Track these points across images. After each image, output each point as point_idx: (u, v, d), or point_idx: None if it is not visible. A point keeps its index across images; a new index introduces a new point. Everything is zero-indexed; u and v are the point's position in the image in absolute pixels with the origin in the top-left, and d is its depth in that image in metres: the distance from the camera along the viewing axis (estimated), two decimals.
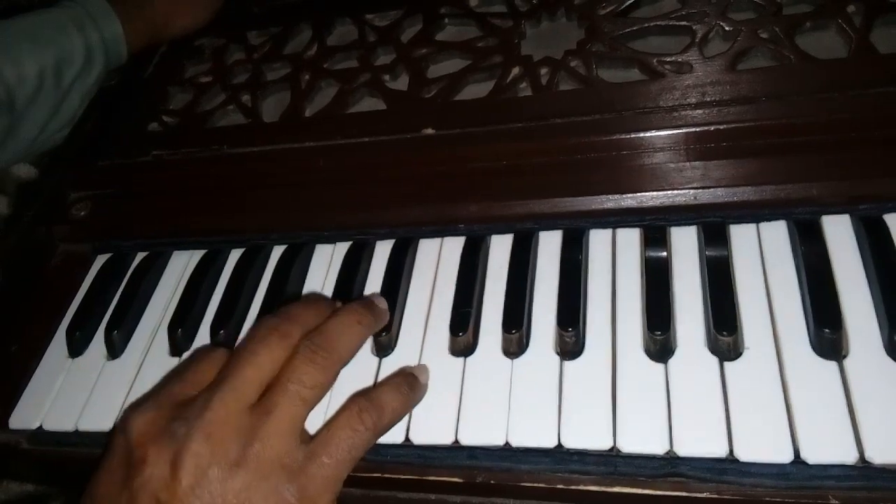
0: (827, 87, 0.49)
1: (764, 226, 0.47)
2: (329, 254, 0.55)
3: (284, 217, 0.57)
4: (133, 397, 0.49)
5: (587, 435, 0.40)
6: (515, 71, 0.59)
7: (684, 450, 0.38)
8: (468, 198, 0.52)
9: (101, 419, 0.49)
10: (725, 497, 0.38)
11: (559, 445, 0.40)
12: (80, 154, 0.68)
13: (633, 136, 0.51)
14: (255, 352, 0.40)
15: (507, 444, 0.41)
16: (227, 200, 0.59)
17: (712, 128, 0.50)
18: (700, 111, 0.50)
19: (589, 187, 0.50)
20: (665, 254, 0.47)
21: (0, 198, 0.83)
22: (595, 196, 0.50)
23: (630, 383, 0.42)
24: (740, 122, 0.49)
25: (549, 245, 0.50)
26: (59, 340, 0.54)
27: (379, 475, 0.43)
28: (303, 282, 0.54)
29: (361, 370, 0.46)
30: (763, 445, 0.37)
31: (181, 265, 0.57)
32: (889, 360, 0.39)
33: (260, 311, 0.52)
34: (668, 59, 0.55)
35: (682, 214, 0.48)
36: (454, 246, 0.52)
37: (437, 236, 0.53)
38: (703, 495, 0.38)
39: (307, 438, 0.39)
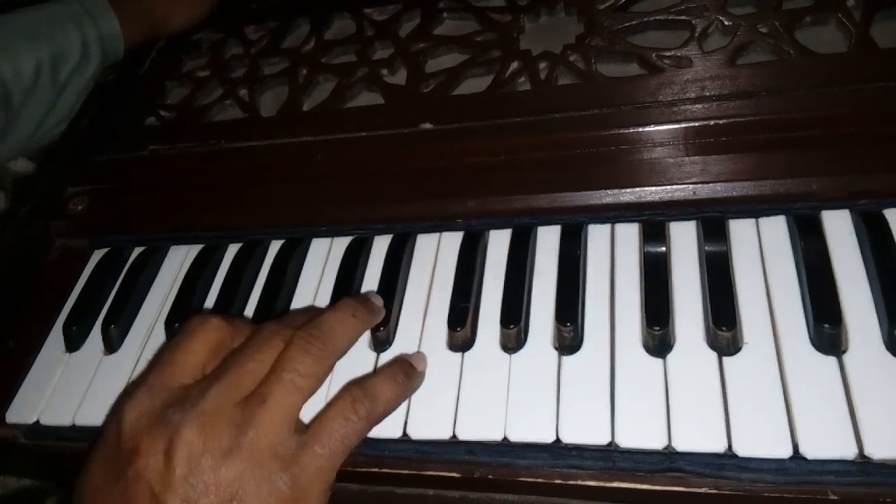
0: (827, 81, 0.49)
1: (763, 221, 0.46)
2: (327, 248, 0.54)
3: (282, 212, 0.57)
4: None
5: (585, 430, 0.40)
6: (514, 65, 0.59)
7: (683, 445, 0.38)
8: (466, 193, 0.52)
9: (98, 414, 0.49)
10: (724, 492, 0.38)
11: (557, 440, 0.40)
12: (77, 149, 0.68)
13: (632, 130, 0.51)
14: (258, 349, 0.40)
15: (505, 438, 0.41)
16: (224, 195, 0.59)
17: (711, 122, 0.49)
18: (699, 106, 0.50)
19: (588, 182, 0.50)
20: (664, 249, 0.46)
21: None
22: (594, 191, 0.50)
23: (628, 378, 0.41)
24: (740, 116, 0.49)
25: (548, 240, 0.49)
26: (57, 335, 0.54)
27: (377, 470, 0.43)
28: (300, 276, 0.53)
29: (359, 365, 0.46)
30: (762, 440, 0.37)
31: (178, 260, 0.57)
32: (888, 355, 0.39)
33: (257, 307, 0.52)
34: (668, 54, 0.55)
35: (681, 209, 0.48)
36: (452, 241, 0.51)
37: (436, 231, 0.53)
38: (702, 490, 0.38)
39: (302, 428, 0.39)
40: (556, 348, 0.44)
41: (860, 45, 0.51)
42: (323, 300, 0.51)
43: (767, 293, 0.43)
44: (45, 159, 0.73)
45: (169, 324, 0.52)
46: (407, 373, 0.43)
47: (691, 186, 0.48)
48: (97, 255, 0.59)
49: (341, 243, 0.54)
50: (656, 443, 0.39)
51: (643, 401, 0.40)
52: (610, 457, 0.39)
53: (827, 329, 0.40)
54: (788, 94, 0.49)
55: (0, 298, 0.59)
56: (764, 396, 0.39)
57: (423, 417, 0.43)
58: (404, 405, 0.43)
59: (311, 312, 0.44)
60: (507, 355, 0.45)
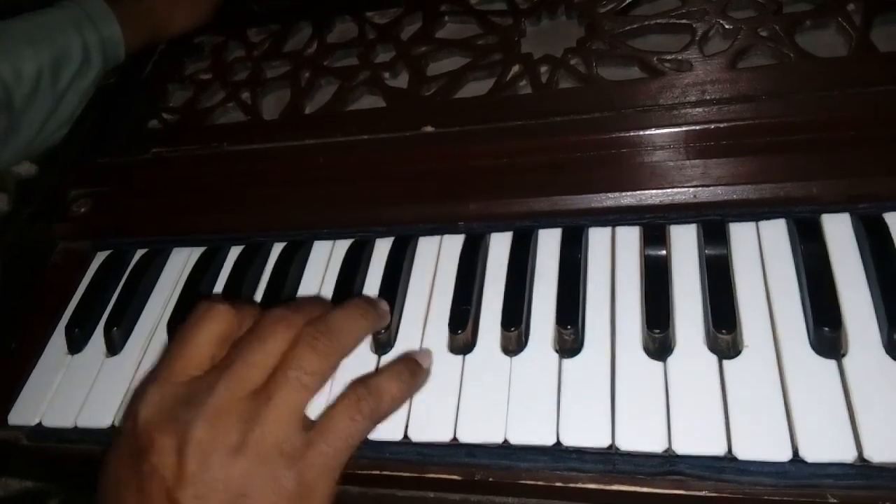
0: (827, 85, 0.49)
1: (763, 224, 0.47)
2: (328, 251, 0.55)
3: (284, 214, 0.57)
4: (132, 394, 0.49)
5: (586, 433, 0.40)
6: (515, 69, 0.59)
7: (683, 448, 0.38)
8: (468, 196, 0.52)
9: (100, 416, 0.49)
10: (724, 495, 0.38)
11: (558, 443, 0.40)
12: (80, 151, 0.68)
13: (632, 134, 0.51)
14: (263, 339, 0.41)
15: (505, 441, 0.41)
16: (226, 198, 0.60)
17: (712, 126, 0.50)
18: (700, 109, 0.50)
19: (588, 185, 0.50)
20: (664, 252, 0.47)
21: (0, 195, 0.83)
22: (594, 194, 0.50)
23: (629, 381, 0.42)
24: (740, 120, 0.49)
25: (549, 243, 0.50)
26: (59, 337, 0.54)
27: (378, 473, 0.43)
28: (302, 279, 0.54)
29: (360, 368, 0.46)
30: (762, 444, 0.37)
31: (181, 262, 0.57)
32: (888, 358, 0.39)
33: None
34: (668, 58, 0.55)
35: (681, 213, 0.48)
36: (453, 244, 0.52)
37: (437, 234, 0.53)
38: (702, 493, 0.38)
39: (308, 424, 0.39)
40: (556, 351, 0.44)
41: (860, 49, 0.51)
42: None
43: (767, 296, 0.43)
44: (48, 162, 0.73)
45: (171, 326, 0.52)
46: (412, 370, 0.43)
47: (692, 190, 0.48)
48: (100, 258, 0.60)
49: (343, 246, 0.54)
50: (656, 446, 0.39)
51: (643, 404, 0.40)
52: (610, 460, 0.40)
53: (827, 332, 0.40)
54: (789, 97, 0.49)
55: (3, 300, 0.60)
56: (764, 399, 0.39)
57: (424, 420, 0.43)
58: (405, 407, 0.44)
59: (319, 302, 0.45)
60: (507, 358, 0.45)
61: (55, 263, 0.61)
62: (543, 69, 0.58)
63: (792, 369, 0.40)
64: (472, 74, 0.61)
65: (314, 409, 0.41)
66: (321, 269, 0.54)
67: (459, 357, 0.45)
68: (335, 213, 0.56)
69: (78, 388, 0.51)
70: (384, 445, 0.43)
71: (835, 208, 0.46)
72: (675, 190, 0.48)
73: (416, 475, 0.43)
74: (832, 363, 0.39)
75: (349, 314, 0.44)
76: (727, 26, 0.56)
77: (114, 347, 0.52)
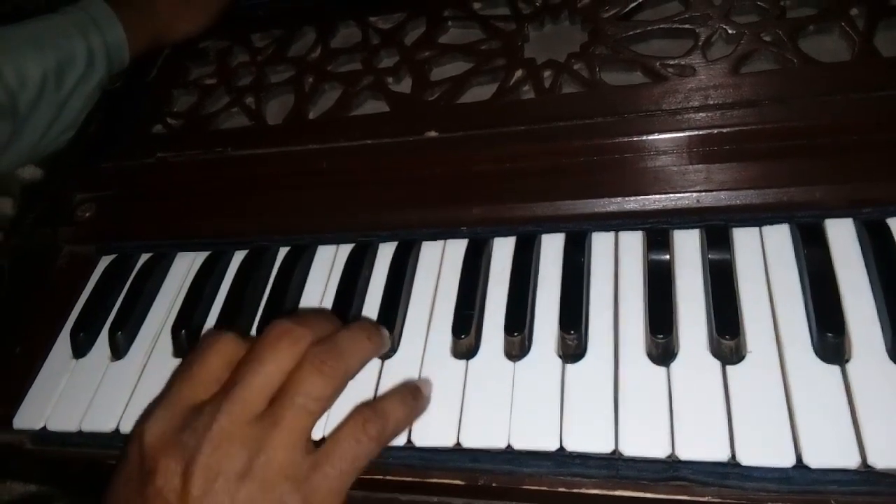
0: (830, 90, 0.49)
1: (767, 229, 0.47)
2: (332, 256, 0.55)
3: (288, 219, 0.57)
4: (137, 398, 0.50)
5: (589, 438, 0.40)
6: (518, 74, 0.59)
7: (686, 453, 0.38)
8: (471, 200, 0.53)
9: (104, 420, 0.49)
10: (728, 501, 0.38)
11: (561, 448, 0.40)
12: (85, 156, 0.68)
13: (635, 139, 0.51)
14: (264, 360, 0.40)
15: (508, 446, 0.41)
16: (230, 202, 0.60)
17: (715, 131, 0.50)
18: (703, 114, 0.50)
19: (592, 190, 0.50)
20: (667, 257, 0.47)
21: (5, 199, 0.83)
22: (598, 199, 0.50)
23: (632, 386, 0.42)
24: (743, 125, 0.49)
25: (552, 248, 0.50)
26: (64, 341, 0.55)
27: (381, 477, 0.43)
28: (306, 283, 0.54)
29: (364, 372, 0.46)
30: (765, 449, 0.37)
31: (185, 267, 0.58)
32: (892, 364, 0.39)
33: (263, 313, 0.52)
34: (672, 62, 0.55)
35: (684, 217, 0.48)
36: (457, 248, 0.52)
37: (440, 239, 0.53)
38: (706, 499, 0.38)
39: (311, 448, 0.39)
40: (559, 356, 0.44)
41: (863, 54, 0.51)
42: (329, 306, 0.51)
43: (771, 302, 0.43)
44: (53, 166, 0.73)
45: (175, 330, 0.52)
46: (415, 395, 0.43)
47: (695, 195, 0.48)
48: (104, 262, 0.60)
49: (347, 250, 0.54)
50: (660, 451, 0.39)
51: (647, 409, 0.40)
52: (614, 465, 0.39)
53: (830, 338, 0.40)
54: (792, 102, 0.49)
55: (8, 304, 0.60)
56: (767, 405, 0.39)
57: (428, 425, 0.43)
58: None
59: (323, 316, 0.45)
60: (511, 363, 0.45)
61: (60, 267, 0.62)
62: (547, 74, 0.59)
63: (795, 375, 0.40)
64: (475, 79, 0.61)
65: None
66: (325, 274, 0.54)
67: (463, 362, 0.46)
68: (339, 218, 0.56)
69: (82, 392, 0.51)
70: (388, 450, 0.42)
71: (838, 213, 0.46)
72: (679, 195, 0.48)
73: (419, 480, 0.43)
74: (836, 369, 0.39)
75: (355, 336, 0.43)
76: (730, 31, 0.56)
77: (118, 351, 0.53)
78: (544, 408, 0.42)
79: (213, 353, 0.42)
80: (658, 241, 0.47)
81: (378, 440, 0.40)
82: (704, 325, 0.43)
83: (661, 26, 0.59)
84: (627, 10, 0.61)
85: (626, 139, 0.51)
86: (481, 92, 0.60)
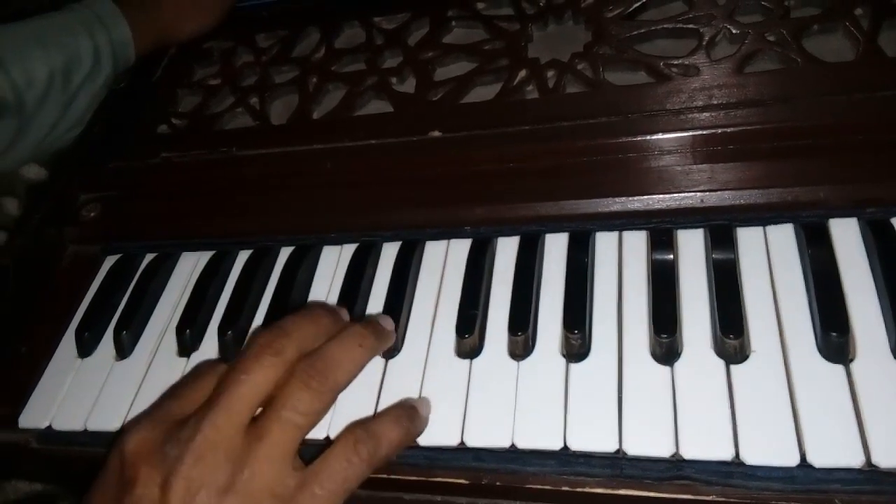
0: (834, 90, 0.49)
1: (771, 229, 0.47)
2: (336, 255, 0.55)
3: (292, 219, 0.58)
4: (141, 397, 0.50)
5: (593, 437, 0.40)
6: (522, 73, 0.59)
7: (690, 453, 0.38)
8: (474, 200, 0.53)
9: (109, 419, 0.49)
10: (732, 500, 0.38)
11: (565, 447, 0.40)
12: (89, 156, 0.68)
13: (639, 138, 0.51)
14: (248, 370, 0.39)
15: (512, 445, 0.41)
16: (235, 202, 0.60)
17: (719, 131, 0.50)
18: (707, 114, 0.50)
19: (595, 190, 0.50)
20: (671, 256, 0.47)
21: (9, 199, 0.83)
22: (601, 199, 0.50)
23: (636, 386, 0.42)
24: (747, 125, 0.49)
25: (556, 247, 0.50)
26: (69, 340, 0.55)
27: (385, 476, 0.43)
28: (310, 283, 0.54)
29: (367, 373, 0.46)
30: (769, 449, 0.37)
31: (189, 266, 0.58)
32: None
33: (267, 313, 0.52)
34: (675, 62, 0.55)
35: (688, 217, 0.48)
36: (460, 248, 0.52)
37: (444, 238, 0.53)
38: (710, 498, 0.38)
39: (299, 465, 0.38)
40: (563, 356, 0.44)
41: (868, 54, 0.51)
42: None
43: (775, 301, 0.43)
44: (58, 166, 0.74)
45: (180, 330, 0.52)
46: (411, 416, 0.42)
47: (699, 194, 0.48)
48: (109, 262, 0.60)
49: (351, 250, 0.55)
50: (664, 450, 0.39)
51: (651, 408, 0.40)
52: (617, 464, 0.40)
53: (834, 337, 0.40)
54: (796, 102, 0.49)
55: (13, 304, 0.60)
56: (771, 404, 0.39)
57: (431, 424, 0.43)
58: None
59: (307, 318, 0.43)
60: (514, 362, 0.45)
61: (65, 267, 0.62)
62: (550, 74, 0.59)
63: (799, 374, 0.40)
64: (479, 79, 0.61)
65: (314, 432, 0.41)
66: (329, 274, 0.54)
67: (466, 361, 0.46)
68: (343, 218, 0.56)
69: (87, 392, 0.51)
70: None
71: (842, 213, 0.46)
72: (683, 194, 0.48)
73: (423, 479, 0.43)
74: (840, 368, 0.39)
75: (345, 345, 0.42)
76: (734, 31, 0.56)
77: (123, 351, 0.53)
78: (548, 407, 0.42)
79: (203, 376, 0.42)
80: (662, 240, 0.47)
81: (369, 462, 0.39)
82: (708, 325, 0.43)
83: (665, 26, 0.59)
84: (631, 9, 0.61)
85: (629, 139, 0.51)
86: (485, 92, 0.60)
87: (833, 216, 0.46)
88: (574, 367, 0.43)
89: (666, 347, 0.42)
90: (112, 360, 0.53)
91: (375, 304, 0.51)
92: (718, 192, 0.47)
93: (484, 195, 0.53)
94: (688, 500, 0.38)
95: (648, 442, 0.39)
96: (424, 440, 0.43)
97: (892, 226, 0.44)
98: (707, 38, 0.56)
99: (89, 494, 0.39)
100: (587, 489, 0.40)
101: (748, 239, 0.46)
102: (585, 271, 0.47)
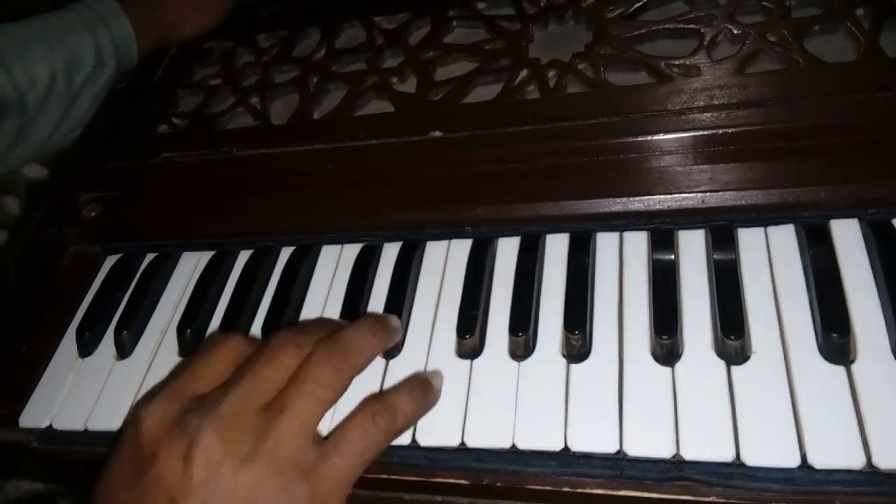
0: (835, 90, 0.49)
1: (772, 229, 0.47)
2: (336, 256, 0.55)
3: (292, 219, 0.58)
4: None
5: (593, 438, 0.40)
6: (523, 73, 0.59)
7: (691, 454, 0.38)
8: (475, 200, 0.53)
9: (110, 418, 0.49)
10: (732, 501, 0.38)
11: (565, 448, 0.40)
12: (90, 155, 0.68)
13: (640, 139, 0.51)
14: (273, 356, 0.40)
15: (513, 446, 0.41)
16: (235, 202, 0.60)
17: (720, 131, 0.50)
18: (708, 114, 0.50)
19: (596, 190, 0.50)
20: (672, 257, 0.47)
21: (10, 198, 0.83)
22: (602, 199, 0.50)
23: (637, 387, 0.42)
24: (748, 125, 0.49)
25: (556, 248, 0.50)
26: (70, 340, 0.55)
27: (386, 476, 0.43)
28: (310, 283, 0.54)
29: (369, 371, 0.46)
30: (770, 450, 0.37)
31: (190, 266, 0.58)
32: None
33: (268, 313, 0.52)
34: (676, 62, 0.55)
35: (689, 218, 0.48)
36: (461, 248, 0.52)
37: (445, 239, 0.53)
38: (710, 499, 0.38)
39: (319, 440, 0.39)
40: (564, 356, 0.44)
41: (869, 54, 0.51)
42: (333, 306, 0.51)
43: (776, 302, 0.43)
44: (59, 166, 0.74)
45: (181, 329, 0.52)
46: (424, 389, 0.43)
47: (700, 195, 0.48)
48: (110, 261, 0.60)
49: (351, 250, 0.55)
50: (664, 451, 0.39)
51: (651, 409, 0.40)
52: (618, 465, 0.40)
53: (835, 338, 0.40)
54: (797, 102, 0.49)
55: (14, 304, 0.60)
56: (772, 405, 0.39)
57: (432, 424, 0.43)
58: None
59: (324, 323, 0.44)
60: (515, 363, 0.45)
61: (65, 267, 0.62)
62: (551, 74, 0.59)
63: (800, 375, 0.40)
64: (480, 79, 0.61)
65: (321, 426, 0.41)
66: (329, 274, 0.54)
67: (467, 362, 0.46)
68: (343, 218, 0.56)
69: (88, 391, 0.51)
70: (392, 450, 0.42)
71: (843, 213, 0.46)
72: (684, 195, 0.48)
73: (423, 479, 0.43)
74: (840, 369, 0.39)
75: (360, 332, 0.43)
76: (735, 31, 0.56)
77: (124, 351, 0.53)
78: (549, 408, 0.42)
79: (219, 351, 0.42)
80: (663, 241, 0.47)
81: (387, 433, 0.40)
82: (709, 326, 0.43)
83: (666, 26, 0.59)
84: (632, 10, 0.61)
85: (630, 139, 0.51)
86: (486, 92, 0.60)
87: (834, 217, 0.46)
88: (575, 367, 0.43)
89: (667, 348, 0.42)
90: (113, 360, 0.53)
91: (376, 304, 0.51)
92: (719, 193, 0.47)
93: (485, 195, 0.53)
94: (688, 500, 0.38)
95: (649, 443, 0.39)
96: (425, 440, 0.43)
97: (893, 226, 0.44)
98: (708, 39, 0.56)
99: (104, 475, 0.39)
100: (588, 490, 0.40)
101: (749, 239, 0.46)
102: (586, 272, 0.47)
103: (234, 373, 0.41)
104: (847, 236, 0.45)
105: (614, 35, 0.59)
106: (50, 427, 0.50)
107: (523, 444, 0.41)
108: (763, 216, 0.47)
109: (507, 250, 0.51)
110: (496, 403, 0.43)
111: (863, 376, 0.39)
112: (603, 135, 0.52)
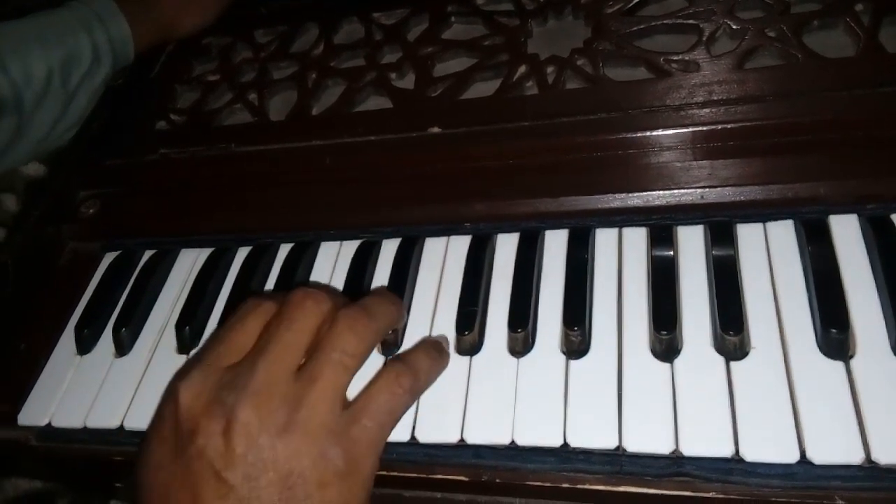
0: (834, 85, 0.49)
1: (771, 225, 0.46)
2: (335, 252, 0.55)
3: (291, 215, 0.57)
4: (141, 394, 0.50)
5: (593, 434, 0.40)
6: (522, 69, 0.59)
7: (690, 449, 0.38)
8: (474, 196, 0.53)
9: (109, 416, 0.49)
10: (732, 497, 0.38)
11: (565, 444, 0.40)
12: (88, 152, 0.68)
13: (639, 134, 0.51)
14: (293, 317, 0.41)
15: (512, 442, 0.41)
16: (234, 199, 0.60)
17: (719, 127, 0.49)
18: (707, 110, 0.50)
19: (595, 186, 0.50)
20: (671, 253, 0.46)
21: (8, 196, 0.83)
22: (601, 195, 0.50)
23: (636, 382, 0.42)
24: (747, 121, 0.49)
25: (555, 244, 0.50)
26: (68, 338, 0.55)
27: (385, 473, 0.43)
28: (309, 280, 0.54)
29: (367, 369, 0.46)
30: (769, 445, 0.37)
31: (189, 263, 0.58)
32: None
33: None
34: (675, 58, 0.55)
35: (688, 213, 0.48)
36: (460, 245, 0.52)
37: (443, 235, 0.53)
38: (710, 495, 0.38)
39: (347, 403, 0.40)
40: (563, 352, 0.44)
41: (868, 50, 0.51)
42: None
43: (775, 298, 0.43)
44: (57, 163, 0.74)
45: (180, 326, 0.52)
46: (438, 349, 0.45)
47: (699, 190, 0.48)
48: (108, 258, 0.60)
49: (350, 247, 0.54)
50: (664, 447, 0.39)
51: (650, 405, 0.40)
52: (617, 461, 0.40)
53: (834, 334, 0.40)
54: (796, 98, 0.49)
55: (12, 301, 0.60)
56: (771, 401, 0.39)
57: (431, 421, 0.43)
58: (412, 408, 0.44)
59: (332, 291, 0.45)
60: (514, 359, 0.45)
61: (64, 264, 0.62)
62: (550, 70, 0.58)
63: (799, 371, 0.40)
64: (478, 75, 0.61)
65: None
66: (328, 270, 0.54)
67: (466, 358, 0.46)
68: (342, 214, 0.56)
69: (87, 389, 0.51)
70: (391, 446, 0.43)
71: (842, 209, 0.45)
72: (683, 191, 0.48)
73: (423, 476, 0.43)
74: (840, 365, 0.39)
75: (382, 300, 0.45)
76: (734, 27, 0.56)
77: (122, 348, 0.53)
78: (548, 404, 0.42)
79: (250, 318, 0.42)
80: (662, 237, 0.47)
81: (412, 392, 0.41)
82: (708, 321, 0.43)
83: (665, 22, 0.59)
84: (631, 5, 0.61)
85: (629, 135, 0.51)
86: (484, 88, 0.60)
87: (833, 212, 0.46)
88: (574, 363, 0.43)
89: (666, 344, 0.42)
90: (111, 357, 0.53)
91: None
92: (718, 189, 0.47)
93: (484, 191, 0.53)
94: (688, 496, 0.38)
95: (648, 438, 0.39)
96: (424, 437, 0.43)
97: (892, 222, 0.44)
98: (707, 34, 0.56)
99: (144, 451, 0.40)
100: (587, 486, 0.40)
101: (748, 235, 0.46)
102: (585, 268, 0.47)
103: (260, 339, 0.41)
104: (846, 232, 0.45)
105: (613, 31, 0.59)
106: (49, 425, 0.50)
107: (522, 441, 0.41)
108: (762, 212, 0.47)
109: (506, 246, 0.51)
110: (495, 399, 0.43)
111: (862, 372, 0.39)
112: (602, 131, 0.52)
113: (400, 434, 0.43)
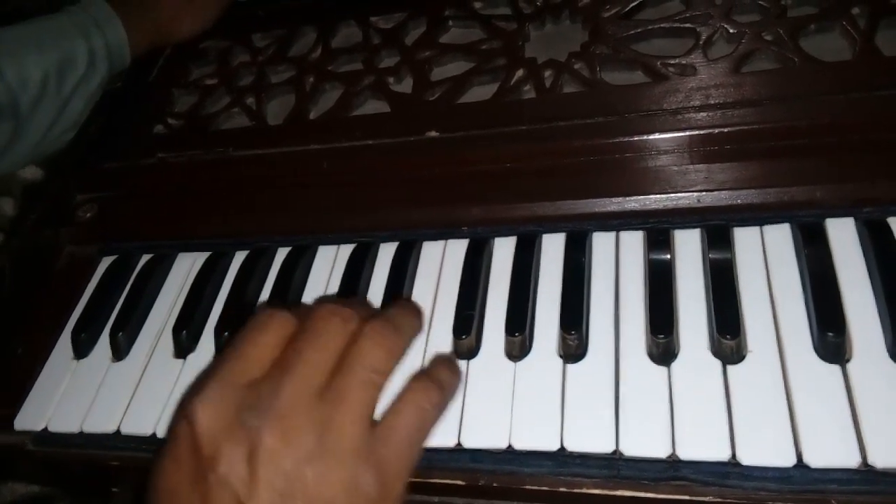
0: (831, 89, 0.49)
1: (768, 229, 0.46)
2: (332, 256, 0.55)
3: (288, 219, 0.57)
4: (138, 399, 0.50)
5: (590, 438, 0.40)
6: (519, 73, 0.59)
7: (687, 453, 0.38)
8: (471, 200, 0.53)
9: (106, 421, 0.49)
10: (728, 501, 0.38)
11: (562, 448, 0.40)
12: (85, 156, 0.68)
13: (636, 138, 0.51)
14: (319, 332, 0.39)
15: (509, 447, 0.41)
16: (231, 202, 0.60)
17: (716, 130, 0.50)
18: (704, 114, 0.50)
19: (592, 190, 0.50)
20: (668, 256, 0.46)
21: (5, 199, 0.83)
22: (598, 199, 0.50)
23: (633, 386, 0.42)
24: (744, 124, 0.49)
25: (553, 248, 0.50)
26: (65, 342, 0.55)
27: None
28: (306, 283, 0.54)
29: None
30: (766, 449, 0.37)
31: (186, 267, 0.58)
32: (892, 363, 0.39)
33: None
34: (672, 62, 0.55)
35: (685, 217, 0.48)
36: (457, 248, 0.52)
37: (441, 239, 0.53)
38: (706, 499, 0.38)
39: (374, 422, 0.38)
40: (560, 356, 0.44)
41: (865, 53, 0.51)
42: None
43: (772, 301, 0.43)
44: (54, 167, 0.74)
45: (177, 331, 0.52)
46: (451, 364, 0.44)
47: (696, 194, 0.48)
48: (105, 262, 0.60)
49: (347, 250, 0.54)
50: (660, 451, 0.39)
51: (647, 409, 0.40)
52: (614, 465, 0.39)
53: (831, 337, 0.40)
54: (793, 102, 0.49)
55: (9, 305, 0.60)
56: (768, 405, 0.39)
57: None
58: None
59: (356, 303, 0.44)
60: (511, 363, 0.45)
61: (61, 268, 0.61)
62: (547, 74, 0.59)
63: (796, 374, 0.40)
64: (476, 79, 0.61)
65: None
66: (325, 274, 0.54)
67: (463, 362, 0.45)
68: (339, 218, 0.56)
69: (84, 393, 0.51)
70: None
71: (839, 213, 0.46)
72: (679, 195, 0.48)
73: (420, 480, 0.42)
74: (836, 368, 0.39)
75: (407, 312, 0.43)
76: (731, 30, 0.56)
77: (119, 352, 0.53)
78: (545, 408, 0.42)
79: (267, 331, 0.40)
80: (659, 240, 0.47)
81: (439, 407, 0.40)
82: (705, 325, 0.43)
83: (662, 25, 0.59)
84: (628, 9, 0.61)
85: (626, 139, 0.51)
86: (482, 92, 0.60)
87: (830, 216, 0.46)
88: (571, 367, 0.43)
89: (663, 348, 0.42)
90: (108, 362, 0.53)
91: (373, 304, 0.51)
92: (715, 192, 0.47)
93: (481, 195, 0.53)
94: (684, 500, 0.38)
95: (645, 442, 0.39)
96: None
97: (888, 225, 0.44)
98: (704, 38, 0.56)
99: (158, 474, 0.37)
100: (584, 490, 0.40)
101: (745, 239, 0.46)
102: (582, 272, 0.47)
103: (283, 355, 0.39)
104: (843, 235, 0.45)
105: (610, 34, 0.59)
106: (45, 429, 0.50)
107: (520, 445, 0.41)
108: (759, 215, 0.47)
109: (504, 250, 0.51)
110: (492, 404, 0.43)
111: (858, 375, 0.39)
112: (599, 134, 0.52)
113: None
